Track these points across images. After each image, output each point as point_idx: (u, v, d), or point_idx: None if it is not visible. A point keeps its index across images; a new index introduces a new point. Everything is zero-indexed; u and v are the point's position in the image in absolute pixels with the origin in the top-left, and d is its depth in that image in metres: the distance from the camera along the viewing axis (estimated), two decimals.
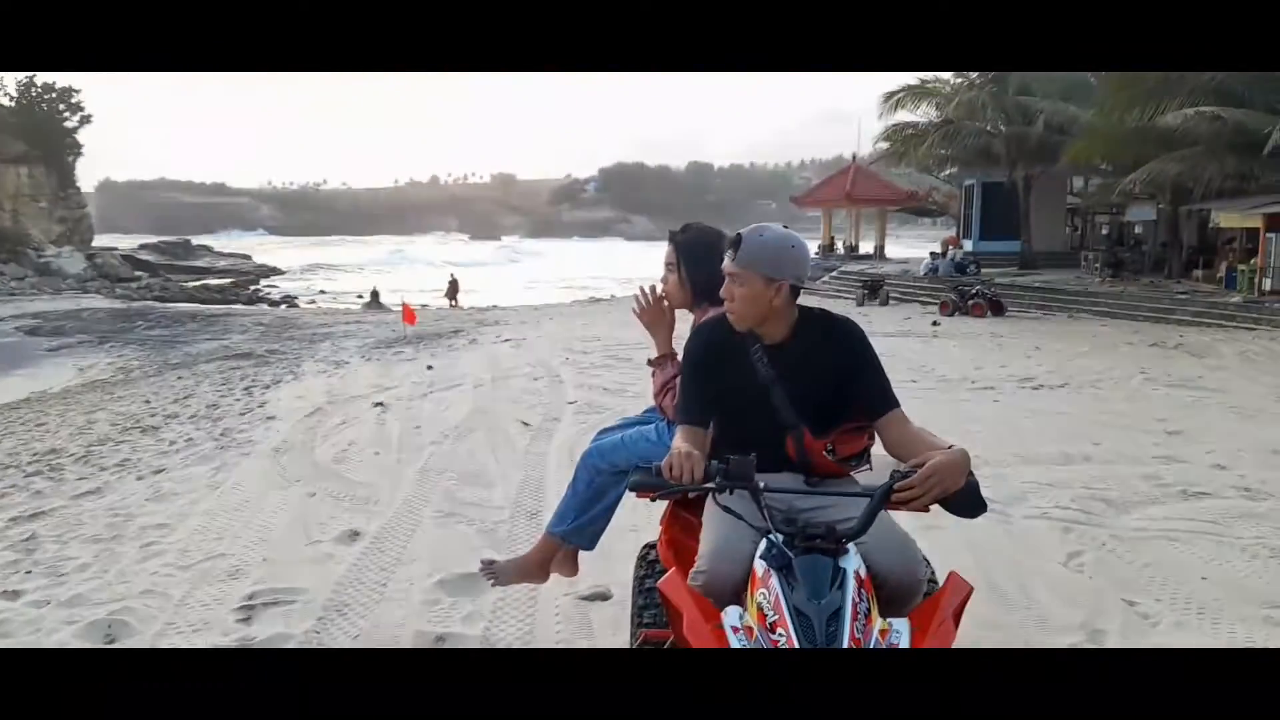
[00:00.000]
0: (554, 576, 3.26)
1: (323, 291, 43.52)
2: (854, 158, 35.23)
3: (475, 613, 3.77)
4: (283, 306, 32.86)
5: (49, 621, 3.78)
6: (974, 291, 19.53)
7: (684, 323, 2.90)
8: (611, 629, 3.55)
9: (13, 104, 44.66)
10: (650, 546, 2.85)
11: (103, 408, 10.26)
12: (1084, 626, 3.56)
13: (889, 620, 1.81)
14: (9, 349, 18.47)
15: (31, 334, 20.65)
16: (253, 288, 44.36)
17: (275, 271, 57.22)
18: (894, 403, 2.23)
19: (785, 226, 2.30)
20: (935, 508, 2.06)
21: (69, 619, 3.78)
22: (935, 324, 17.18)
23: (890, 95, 27.10)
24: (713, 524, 2.12)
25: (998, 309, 19.12)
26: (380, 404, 9.09)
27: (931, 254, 26.90)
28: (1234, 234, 21.32)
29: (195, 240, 62.95)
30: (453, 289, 31.63)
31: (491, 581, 3.15)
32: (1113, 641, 3.44)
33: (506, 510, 5.28)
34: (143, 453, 7.38)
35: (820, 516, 2.03)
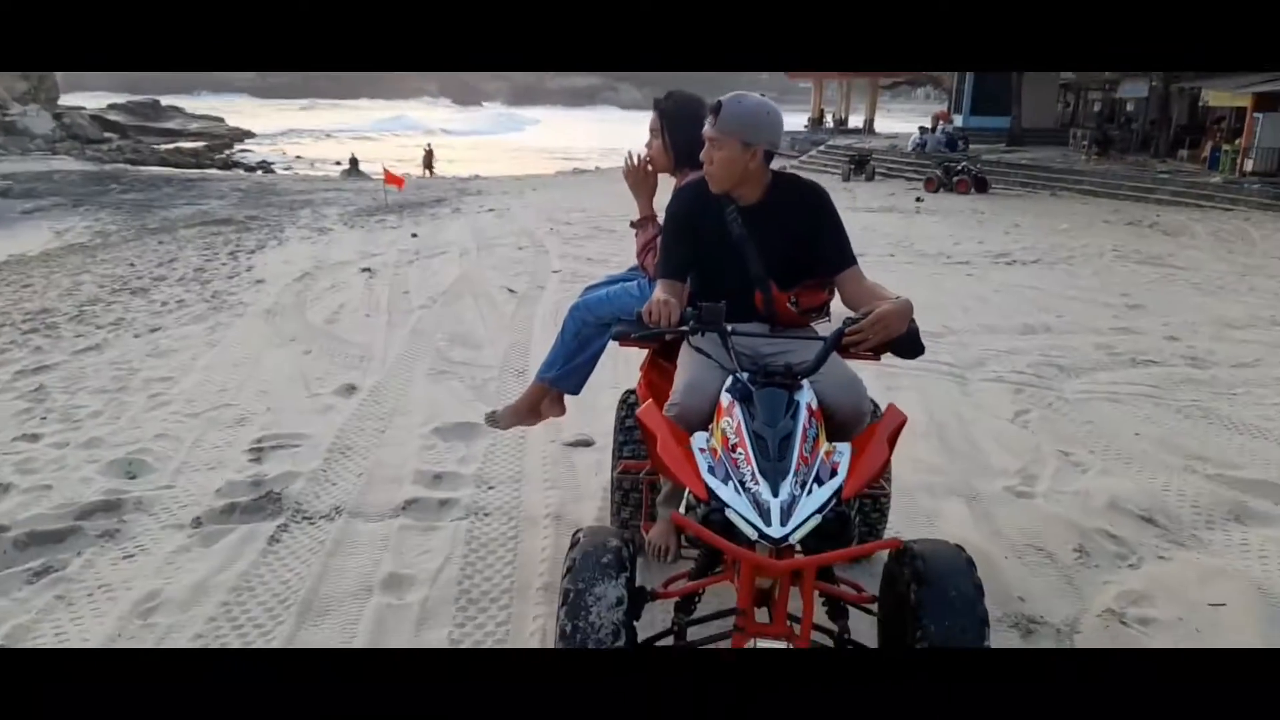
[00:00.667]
0: (541, 425, 3.55)
1: (299, 157, 42.44)
2: None
3: (469, 456, 4.08)
4: (259, 172, 32.13)
5: (71, 460, 4.05)
6: (959, 168, 19.53)
7: (665, 192, 3.08)
8: (594, 470, 3.89)
9: None
10: (630, 391, 3.19)
11: (87, 270, 10.31)
12: (1020, 472, 3.92)
13: (834, 444, 2.09)
14: None
15: (3, 195, 20.23)
16: (226, 152, 43.16)
17: (249, 135, 55.56)
18: (851, 260, 2.46)
19: (767, 95, 2.46)
20: (887, 357, 2.34)
21: (90, 458, 4.05)
22: (919, 200, 17.23)
23: None
24: (686, 364, 2.38)
25: (982, 186, 19.17)
26: (368, 269, 9.24)
27: (921, 129, 26.58)
28: (1224, 113, 21.22)
29: (164, 101, 60.52)
30: (428, 159, 31.15)
31: (492, 426, 3.43)
32: (1043, 484, 3.81)
33: (495, 369, 5.55)
34: (136, 313, 7.54)
35: (781, 359, 2.28)
